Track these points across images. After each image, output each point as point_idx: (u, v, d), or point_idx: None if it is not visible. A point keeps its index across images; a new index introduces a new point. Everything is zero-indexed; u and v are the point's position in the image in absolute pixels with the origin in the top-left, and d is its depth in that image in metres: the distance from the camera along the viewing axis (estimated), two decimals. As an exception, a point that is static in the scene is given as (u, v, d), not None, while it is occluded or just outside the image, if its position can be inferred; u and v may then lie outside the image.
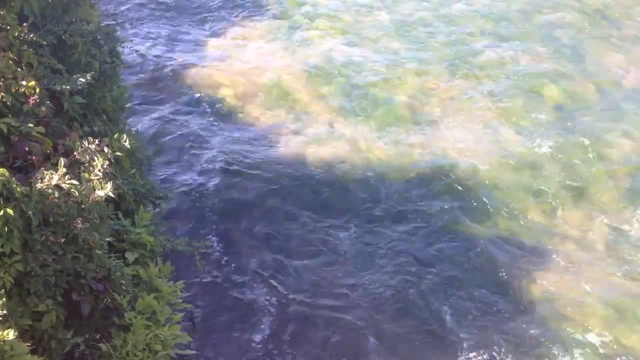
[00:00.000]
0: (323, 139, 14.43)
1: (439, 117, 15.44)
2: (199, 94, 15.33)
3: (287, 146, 14.15)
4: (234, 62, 16.47)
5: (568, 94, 16.48)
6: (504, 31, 18.95)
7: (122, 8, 18.00)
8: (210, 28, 17.79)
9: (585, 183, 13.98)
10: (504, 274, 11.77)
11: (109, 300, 6.75)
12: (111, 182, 6.69)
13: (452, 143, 14.70)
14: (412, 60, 17.17)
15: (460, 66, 17.19)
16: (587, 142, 15.01)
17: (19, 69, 7.13)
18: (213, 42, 17.20)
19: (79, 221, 6.30)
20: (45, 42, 7.90)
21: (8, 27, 7.39)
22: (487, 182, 13.79)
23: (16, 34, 7.47)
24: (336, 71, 16.48)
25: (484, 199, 13.43)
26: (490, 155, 14.45)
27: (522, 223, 12.93)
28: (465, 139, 14.88)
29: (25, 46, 7.52)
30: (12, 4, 7.67)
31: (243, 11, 18.65)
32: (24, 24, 7.65)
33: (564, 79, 17.03)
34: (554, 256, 12.28)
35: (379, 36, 18.11)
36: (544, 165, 14.35)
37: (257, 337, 10.21)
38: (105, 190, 6.55)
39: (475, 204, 13.30)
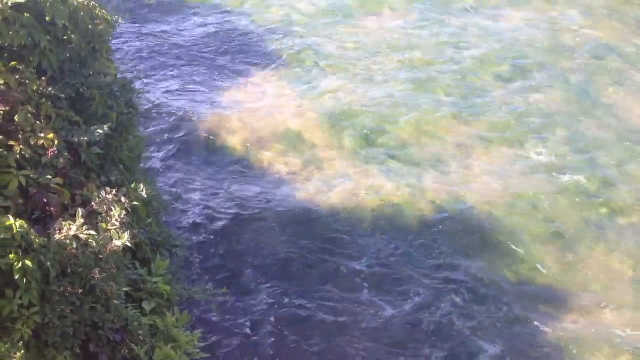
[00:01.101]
0: (335, 183, 14.46)
1: (451, 161, 15.45)
2: (212, 141, 15.47)
3: (300, 191, 14.19)
4: (247, 108, 16.64)
5: (583, 135, 16.48)
6: (516, 75, 19.04)
7: (138, 60, 18.33)
8: (222, 76, 18.03)
9: (604, 225, 13.89)
10: (526, 323, 11.63)
11: (127, 351, 6.72)
12: (128, 231, 6.74)
13: (465, 186, 14.67)
14: (423, 104, 17.26)
15: (473, 110, 17.25)
16: (601, 180, 14.97)
17: (37, 122, 7.26)
18: (225, 89, 17.42)
19: (96, 271, 6.33)
20: (63, 95, 8.06)
21: (27, 81, 7.55)
22: (502, 225, 13.72)
23: (35, 88, 7.62)
24: (347, 116, 16.59)
25: (500, 242, 13.34)
26: (505, 199, 14.42)
27: (541, 268, 12.81)
28: (478, 182, 14.86)
29: (44, 99, 7.67)
30: (31, 58, 7.84)
31: (255, 58, 18.92)
32: (43, 78, 7.82)
33: (577, 121, 17.07)
34: (578, 301, 12.13)
35: (389, 80, 18.26)
36: (561, 207, 14.28)
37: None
38: (122, 240, 6.59)
39: (490, 247, 13.21)
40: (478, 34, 20.98)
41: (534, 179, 15.04)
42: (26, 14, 7.55)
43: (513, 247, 13.25)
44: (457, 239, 13.35)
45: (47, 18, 7.88)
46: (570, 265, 12.95)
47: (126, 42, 18.99)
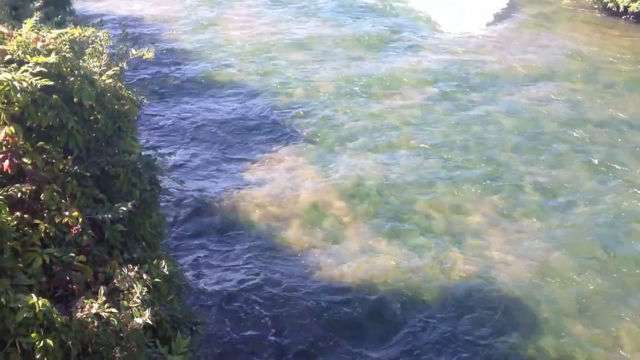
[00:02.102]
0: (357, 259, 14.37)
1: (474, 236, 15.33)
2: (232, 218, 15.53)
3: (321, 268, 14.10)
4: (267, 185, 16.77)
5: (607, 210, 16.34)
6: (538, 149, 19.10)
7: (161, 138, 18.71)
8: (243, 153, 18.28)
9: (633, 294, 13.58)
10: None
11: None
12: (149, 309, 6.69)
13: (489, 261, 14.50)
14: (445, 178, 17.31)
15: (495, 185, 17.25)
16: (629, 255, 14.74)
17: (62, 200, 7.35)
18: (246, 166, 17.62)
19: (117, 350, 6.25)
20: (88, 174, 8.18)
21: (54, 161, 7.70)
22: (529, 301, 13.46)
23: (61, 167, 7.76)
24: (369, 192, 16.65)
25: (528, 315, 13.05)
26: (531, 274, 14.20)
27: (571, 342, 12.45)
28: (502, 257, 14.68)
29: (70, 178, 7.79)
30: (59, 138, 8.01)
31: (275, 135, 19.20)
32: (69, 157, 7.97)
33: (600, 195, 16.97)
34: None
35: (410, 156, 18.38)
36: (588, 281, 14.02)
37: None
38: (144, 318, 6.54)
39: (518, 321, 12.92)
40: (499, 109, 21.21)
41: (559, 254, 14.83)
42: (55, 96, 7.77)
43: (540, 323, 12.93)
44: (481, 315, 13.07)
45: (75, 99, 8.09)
46: (600, 341, 12.59)
47: (150, 120, 19.43)
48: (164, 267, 7.75)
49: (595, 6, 31.74)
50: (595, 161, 18.44)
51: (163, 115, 19.94)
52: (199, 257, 14.24)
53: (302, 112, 20.57)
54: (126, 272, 7.00)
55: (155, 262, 7.89)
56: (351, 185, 16.83)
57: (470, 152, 18.69)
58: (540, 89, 23.06)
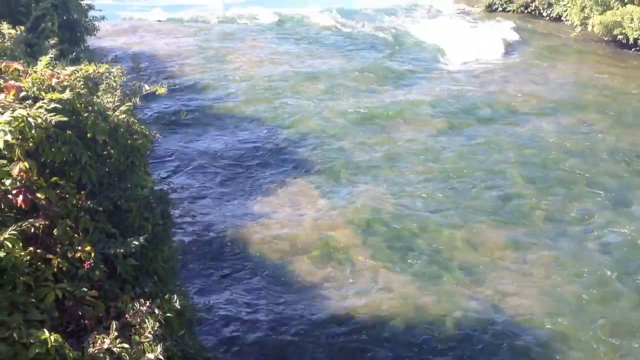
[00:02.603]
0: (370, 292, 14.27)
1: (486, 267, 15.21)
2: (244, 250, 15.53)
3: (334, 300, 14.01)
4: (279, 218, 16.78)
5: (620, 244, 16.20)
6: (548, 180, 19.06)
7: (173, 171, 18.83)
8: (256, 187, 18.34)
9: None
10: None
11: None
12: (161, 344, 6.68)
13: (502, 294, 14.34)
14: (456, 211, 17.25)
15: (506, 216, 17.18)
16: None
17: (75, 235, 7.40)
18: (257, 199, 17.66)
19: (128, 386, 6.24)
20: (101, 208, 8.24)
21: (67, 196, 7.77)
22: (543, 330, 13.30)
23: (74, 202, 7.83)
24: (379, 223, 16.60)
25: (543, 348, 12.86)
26: (544, 304, 14.04)
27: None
28: (517, 287, 14.54)
29: (83, 213, 7.85)
30: (72, 173, 8.08)
31: (287, 168, 19.27)
32: (82, 192, 8.04)
33: (613, 227, 16.85)
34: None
35: (421, 188, 18.36)
36: (604, 310, 13.84)
37: None
38: (155, 353, 6.52)
39: (533, 356, 12.73)
40: (509, 140, 21.23)
41: (573, 286, 14.67)
42: (69, 132, 7.86)
43: (555, 356, 12.74)
44: (494, 349, 12.89)
45: (88, 135, 8.19)
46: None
47: (163, 154, 19.58)
48: (176, 302, 7.75)
49: (605, 38, 31.91)
50: (607, 193, 18.33)
51: (175, 149, 20.11)
52: (209, 290, 14.19)
53: (312, 144, 20.68)
54: (138, 306, 7.01)
55: (167, 296, 7.89)
56: (361, 216, 16.81)
57: (480, 182, 18.66)
58: (550, 120, 23.09)
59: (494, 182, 18.72)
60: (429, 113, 23.29)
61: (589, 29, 32.08)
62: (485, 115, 23.32)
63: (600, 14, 31.00)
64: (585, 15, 32.35)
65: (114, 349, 6.24)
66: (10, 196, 6.99)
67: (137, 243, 7.87)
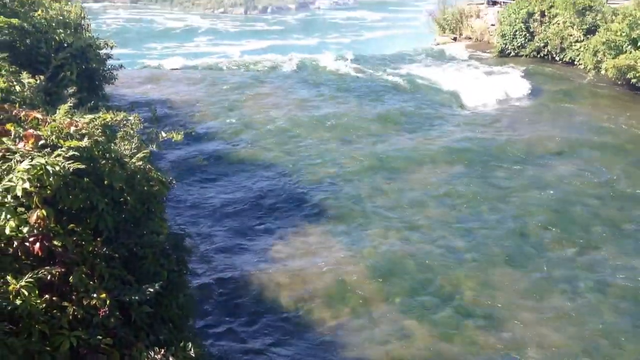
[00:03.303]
0: (388, 341, 14.04)
1: (507, 314, 14.95)
2: (259, 297, 15.39)
3: (352, 350, 13.79)
4: (294, 263, 16.68)
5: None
6: (566, 226, 18.88)
7: (189, 217, 18.86)
8: (270, 232, 18.29)
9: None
10: None
11: None
12: (176, 393, 6.60)
13: (521, 341, 14.07)
14: (472, 256, 17.07)
15: (524, 262, 16.97)
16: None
17: (91, 282, 7.40)
18: (273, 244, 17.59)
19: None
20: (117, 255, 8.26)
21: (83, 243, 7.80)
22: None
23: (90, 249, 7.86)
24: (397, 269, 16.44)
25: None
26: (567, 353, 13.74)
27: None
28: (539, 336, 14.25)
29: (99, 259, 7.87)
30: (89, 220, 8.14)
31: (302, 213, 19.23)
32: (99, 239, 8.07)
33: (635, 274, 16.58)
34: None
35: (436, 233, 18.23)
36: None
37: None
38: (170, 402, 6.44)
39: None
40: (526, 185, 21.13)
41: (597, 335, 14.36)
42: (86, 179, 7.94)
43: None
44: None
45: (105, 182, 8.26)
46: None
47: (178, 199, 19.66)
48: (191, 350, 7.68)
49: (619, 82, 31.99)
50: (628, 239, 18.09)
51: (191, 195, 20.19)
52: (225, 337, 14.05)
53: (328, 189, 20.69)
54: (153, 355, 6.95)
55: (182, 344, 7.83)
56: (378, 262, 16.68)
57: (498, 227, 18.50)
58: (567, 163, 23.01)
59: (512, 227, 18.55)
60: (445, 157, 23.29)
61: (602, 72, 32.21)
62: (501, 158, 23.29)
63: (613, 58, 31.14)
64: (598, 59, 32.52)
65: (128, 399, 6.16)
66: (27, 244, 7.03)
67: (152, 290, 7.85)
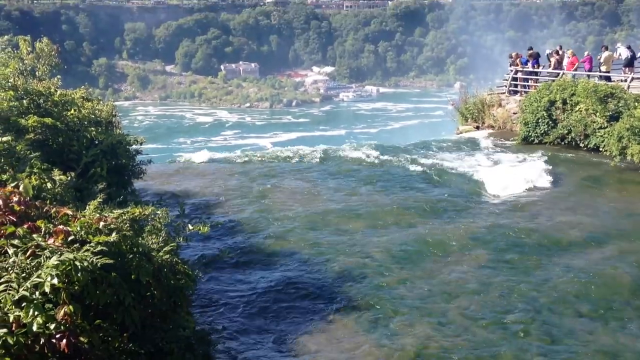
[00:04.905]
0: None
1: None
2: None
3: None
4: (320, 356, 16.33)
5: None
6: (601, 314, 18.37)
7: (214, 311, 18.71)
8: (296, 324, 17.98)
9: None
10: None
11: None
12: None
13: None
14: (503, 347, 16.55)
15: (558, 353, 16.43)
16: None
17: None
18: (301, 340, 17.23)
19: None
20: (143, 351, 8.20)
21: (109, 339, 7.77)
22: None
23: (116, 344, 7.82)
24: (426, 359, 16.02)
25: None
26: None
27: None
28: None
29: (124, 356, 7.81)
30: (115, 315, 8.13)
31: (328, 304, 18.92)
32: (125, 334, 8.04)
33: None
34: None
35: (466, 322, 17.78)
36: None
37: None
38: None
39: None
40: (555, 273, 20.70)
41: None
42: (113, 274, 8.00)
43: None
44: None
45: (132, 276, 8.32)
46: None
47: (204, 293, 19.58)
48: None
49: (645, 166, 31.88)
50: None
51: (217, 287, 20.11)
52: None
53: (353, 281, 20.47)
54: None
55: None
56: (405, 354, 16.25)
57: (528, 318, 17.99)
58: (595, 251, 22.58)
59: (542, 318, 18.04)
60: (473, 247, 23.04)
61: (628, 158, 32.12)
62: (528, 246, 22.96)
63: (638, 144, 31.12)
64: (623, 145, 32.48)
65: None
66: (54, 340, 7.03)
67: (177, 386, 7.74)
